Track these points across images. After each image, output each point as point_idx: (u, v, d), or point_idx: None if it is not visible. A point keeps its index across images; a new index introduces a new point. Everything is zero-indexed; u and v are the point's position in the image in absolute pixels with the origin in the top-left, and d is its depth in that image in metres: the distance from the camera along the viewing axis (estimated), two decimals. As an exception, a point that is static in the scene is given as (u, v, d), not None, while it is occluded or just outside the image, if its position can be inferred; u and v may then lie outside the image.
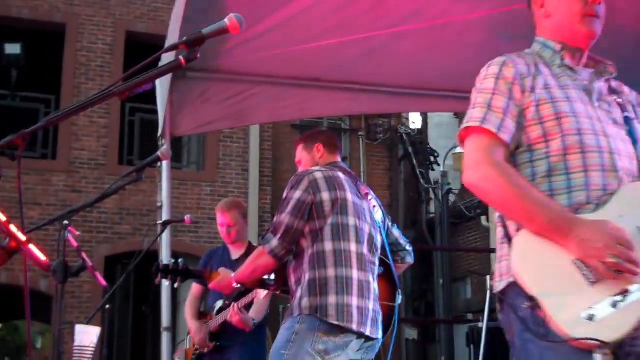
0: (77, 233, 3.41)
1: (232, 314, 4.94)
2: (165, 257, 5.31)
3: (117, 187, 3.28)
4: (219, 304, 5.25)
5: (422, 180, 15.09)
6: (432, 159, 15.16)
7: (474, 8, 5.01)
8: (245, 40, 4.92)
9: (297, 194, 3.72)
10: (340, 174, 3.88)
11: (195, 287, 5.63)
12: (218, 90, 5.48)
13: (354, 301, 3.59)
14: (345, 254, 3.67)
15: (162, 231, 5.03)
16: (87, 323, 4.91)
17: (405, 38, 5.26)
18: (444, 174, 13.01)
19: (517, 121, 2.40)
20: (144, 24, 13.46)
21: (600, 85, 2.53)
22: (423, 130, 15.64)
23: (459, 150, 13.05)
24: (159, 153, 3.35)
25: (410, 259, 4.34)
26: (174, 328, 5.41)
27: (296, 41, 5.12)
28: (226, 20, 2.09)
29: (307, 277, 3.64)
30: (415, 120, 15.35)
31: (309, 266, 3.65)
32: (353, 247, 3.69)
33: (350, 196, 3.79)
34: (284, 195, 3.80)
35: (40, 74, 14.03)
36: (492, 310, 5.76)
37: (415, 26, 5.16)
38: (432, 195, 15.24)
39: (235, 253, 5.42)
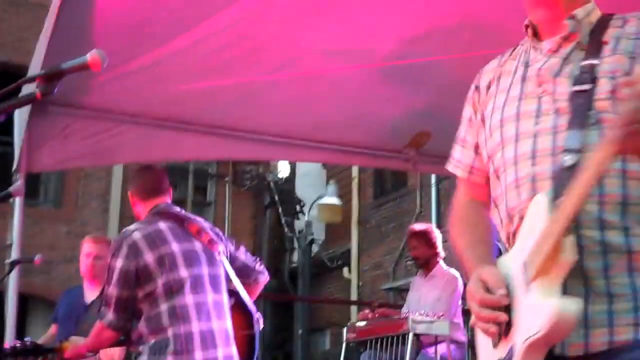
0: None
1: None
2: (11, 299, 5.07)
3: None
4: None
5: (286, 229, 15.06)
6: (297, 208, 15.17)
7: (348, 62, 5.03)
8: (115, 77, 4.74)
9: (119, 263, 3.62)
10: (161, 224, 3.76)
11: (53, 328, 5.39)
12: (81, 127, 5.27)
13: (197, 356, 3.56)
14: (183, 310, 3.61)
15: (10, 271, 4.77)
16: None
17: (280, 86, 5.24)
18: (308, 224, 13.01)
19: (475, 144, 2.12)
20: (8, 53, 12.98)
21: (554, 60, 1.94)
22: (290, 179, 15.66)
23: (323, 201, 13.10)
24: (10, 189, 3.18)
25: (263, 278, 4.25)
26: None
27: (167, 81, 5.00)
28: (88, 55, 1.95)
29: (147, 340, 3.61)
30: (283, 169, 15.35)
31: (147, 330, 3.62)
32: (189, 299, 3.62)
33: (176, 247, 3.69)
34: (108, 262, 3.72)
35: None
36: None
37: (290, 75, 5.14)
38: (296, 245, 15.23)
39: (90, 294, 5.20)
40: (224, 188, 14.42)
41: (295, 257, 15.30)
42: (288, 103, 5.44)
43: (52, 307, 12.29)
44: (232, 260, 4.04)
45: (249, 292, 4.05)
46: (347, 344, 5.68)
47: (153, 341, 3.56)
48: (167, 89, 5.06)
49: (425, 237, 6.03)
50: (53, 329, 5.37)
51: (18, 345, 4.02)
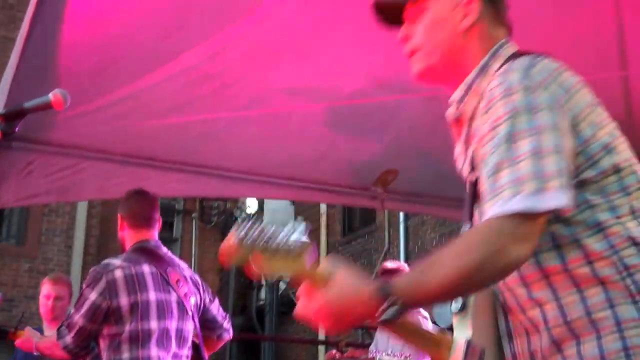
0: None
1: None
2: None
3: None
4: None
5: (253, 267, 14.93)
6: (265, 245, 15.04)
7: (314, 100, 5.04)
8: (80, 114, 4.69)
9: (93, 296, 3.59)
10: (145, 267, 3.70)
11: None
12: (44, 163, 5.19)
13: None
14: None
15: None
16: None
17: (247, 123, 5.21)
18: (277, 262, 12.94)
19: None
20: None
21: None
22: (258, 215, 15.59)
23: (292, 237, 13.09)
24: None
25: (227, 336, 4.19)
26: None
27: (133, 118, 4.95)
28: (50, 95, 2.00)
29: None
30: (251, 205, 15.28)
31: None
32: (153, 352, 3.55)
33: (153, 296, 3.64)
34: (82, 289, 3.70)
35: None
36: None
37: (258, 112, 5.12)
38: (263, 282, 15.12)
39: (50, 333, 5.06)
40: (190, 224, 14.33)
41: (263, 294, 15.19)
42: (255, 140, 5.42)
43: (13, 344, 12.15)
44: (204, 311, 3.99)
45: (209, 346, 4.02)
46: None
47: None
48: (133, 125, 5.01)
49: (396, 276, 5.97)
50: None
51: None
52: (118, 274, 3.61)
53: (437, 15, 1.94)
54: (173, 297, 3.71)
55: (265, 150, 5.60)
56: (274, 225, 1.56)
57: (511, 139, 1.66)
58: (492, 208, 1.64)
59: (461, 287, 1.66)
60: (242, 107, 5.02)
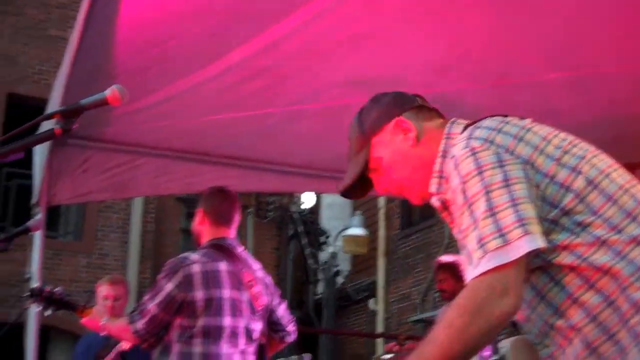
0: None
1: None
2: (31, 331, 5.07)
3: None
4: None
5: (311, 261, 14.96)
6: (322, 239, 15.07)
7: (371, 92, 4.93)
8: (134, 111, 4.71)
9: (169, 287, 3.59)
10: (222, 265, 3.72)
11: None
12: (100, 160, 5.26)
13: None
14: (215, 358, 3.60)
15: (30, 304, 4.71)
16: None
17: (300, 118, 5.17)
18: (333, 255, 12.89)
19: None
20: (27, 86, 13.03)
21: None
22: (314, 210, 15.58)
23: (349, 232, 12.94)
24: (28, 223, 3.17)
25: (289, 339, 4.21)
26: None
27: (187, 114, 4.96)
28: (107, 91, 1.96)
29: None
30: (306, 200, 15.29)
31: None
32: (224, 349, 3.60)
33: (227, 293, 3.67)
34: (159, 278, 3.69)
35: None
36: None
37: (313, 106, 5.06)
38: (320, 277, 15.12)
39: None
40: (246, 219, 14.35)
41: (320, 288, 15.18)
42: (311, 134, 5.37)
43: (73, 337, 12.30)
44: (271, 313, 4.02)
45: (272, 347, 4.07)
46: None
47: None
48: (187, 121, 5.03)
49: (453, 270, 5.89)
50: None
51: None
52: (195, 268, 3.61)
53: (390, 157, 2.09)
54: (244, 296, 3.75)
55: (321, 144, 5.53)
56: None
57: (469, 204, 1.78)
58: (469, 274, 1.76)
59: (458, 353, 1.72)
60: (297, 102, 4.97)
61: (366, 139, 2.14)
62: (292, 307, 13.61)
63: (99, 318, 3.92)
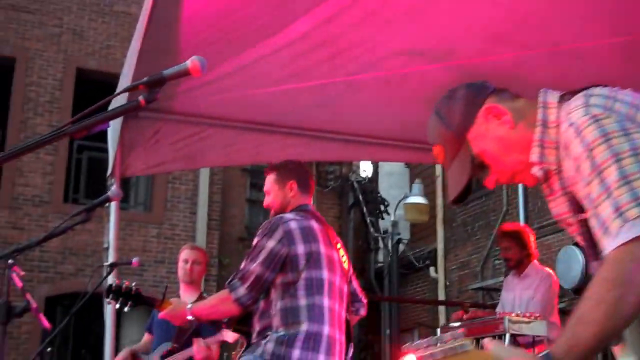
0: (22, 273, 3.31)
1: (201, 350, 4.84)
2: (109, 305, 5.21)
3: (65, 227, 3.20)
4: (164, 346, 5.10)
5: (371, 229, 15.03)
6: (382, 207, 15.12)
7: (430, 62, 5.02)
8: (201, 83, 4.86)
9: (271, 244, 3.59)
10: (313, 223, 3.76)
11: (147, 336, 5.49)
12: (170, 131, 5.41)
13: (321, 358, 3.52)
14: (319, 310, 3.58)
15: (109, 273, 4.90)
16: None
17: (360, 88, 5.26)
18: (395, 224, 12.98)
19: None
20: (95, 60, 13.30)
21: None
22: (374, 179, 15.63)
23: (410, 200, 12.99)
24: (109, 194, 3.28)
25: (363, 311, 4.25)
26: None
27: (252, 86, 5.08)
28: (188, 62, 2.02)
29: (279, 330, 3.54)
30: (366, 169, 15.34)
31: (279, 320, 3.56)
32: (326, 302, 3.60)
33: (323, 248, 3.68)
34: (255, 241, 3.66)
35: (-14, 107, 13.77)
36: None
37: (371, 76, 5.16)
38: (380, 245, 15.17)
39: (187, 298, 5.24)
40: (307, 189, 14.50)
41: (381, 257, 15.25)
42: (371, 103, 5.46)
43: (143, 308, 12.60)
44: (350, 280, 4.04)
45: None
46: (442, 345, 5.59)
47: (282, 332, 3.52)
48: (252, 92, 5.14)
49: (517, 238, 5.87)
50: (146, 337, 5.50)
51: (124, 287, 4.01)
52: (293, 225, 3.64)
53: (493, 147, 1.97)
54: (335, 255, 3.80)
55: (382, 113, 5.63)
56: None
57: (598, 172, 1.71)
58: (607, 244, 1.68)
59: (614, 328, 1.67)
60: (355, 72, 5.06)
61: (461, 139, 2.01)
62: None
63: (182, 306, 3.78)
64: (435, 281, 13.20)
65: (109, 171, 5.44)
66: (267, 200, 3.96)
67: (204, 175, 13.25)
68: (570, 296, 8.59)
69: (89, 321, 13.28)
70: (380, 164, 15.45)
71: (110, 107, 2.14)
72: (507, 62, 4.93)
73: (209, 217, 13.22)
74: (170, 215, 13.05)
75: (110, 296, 4.00)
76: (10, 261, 3.29)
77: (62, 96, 13.01)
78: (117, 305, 3.99)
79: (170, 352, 5.05)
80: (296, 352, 3.47)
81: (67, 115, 12.84)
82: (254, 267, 3.56)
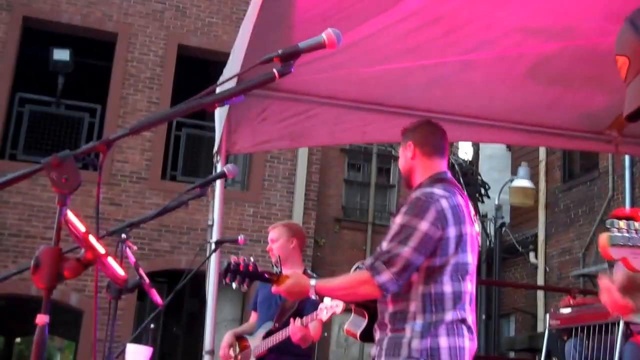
0: (135, 248, 3.29)
1: (296, 330, 4.71)
2: (212, 278, 5.24)
3: (180, 202, 3.18)
4: (267, 326, 5.06)
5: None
6: (482, 190, 14.89)
7: (547, 41, 4.83)
8: (309, 61, 4.77)
9: (425, 226, 3.23)
10: (460, 199, 3.41)
11: (253, 315, 5.45)
12: (277, 109, 5.37)
13: (466, 343, 3.26)
14: (463, 296, 3.28)
15: (214, 251, 4.90)
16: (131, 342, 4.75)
17: (474, 67, 5.12)
18: (499, 207, 12.71)
19: None
20: (197, 38, 13.37)
21: None
22: (474, 161, 15.40)
23: (516, 184, 12.70)
24: (224, 169, 3.26)
25: None
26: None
27: (361, 64, 5.00)
28: (324, 35, 2.00)
29: (415, 317, 3.25)
30: (467, 151, 15.11)
31: (424, 306, 3.25)
32: (468, 287, 3.31)
33: (469, 228, 3.35)
34: (402, 220, 3.28)
35: (87, 82, 14.02)
36: (548, 351, 5.54)
37: (486, 55, 5.01)
38: (478, 228, 14.95)
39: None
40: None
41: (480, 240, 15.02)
42: (483, 84, 5.32)
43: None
44: None
45: None
46: (549, 331, 5.46)
47: (422, 321, 3.23)
48: (362, 70, 5.06)
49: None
50: (253, 317, 5.46)
51: (241, 265, 3.56)
52: (445, 204, 3.29)
53: None
54: (475, 233, 3.44)
55: (493, 94, 5.48)
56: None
57: None
58: None
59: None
60: (469, 51, 4.92)
61: None
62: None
63: (304, 281, 3.38)
64: (534, 267, 12.95)
65: (215, 148, 5.42)
66: (399, 165, 3.68)
67: (303, 155, 13.23)
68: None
69: (182, 299, 13.47)
70: (481, 146, 15.19)
71: (219, 87, 2.05)
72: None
73: (306, 197, 13.20)
74: (267, 195, 13.07)
75: (229, 275, 3.59)
76: (123, 236, 3.28)
77: (163, 73, 13.14)
78: (234, 285, 3.59)
79: (271, 332, 5.01)
80: (443, 340, 3.21)
81: (167, 92, 12.97)
82: (405, 251, 3.20)
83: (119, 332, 11.44)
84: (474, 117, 5.74)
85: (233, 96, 1.95)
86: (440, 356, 3.19)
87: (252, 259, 3.61)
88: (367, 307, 3.50)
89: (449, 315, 3.24)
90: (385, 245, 3.27)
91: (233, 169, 3.25)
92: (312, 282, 3.35)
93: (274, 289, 3.41)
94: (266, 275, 3.51)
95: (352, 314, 3.68)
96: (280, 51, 1.97)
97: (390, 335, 3.28)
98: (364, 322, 3.58)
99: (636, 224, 1.49)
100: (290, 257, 5.20)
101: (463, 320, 3.27)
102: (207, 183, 3.18)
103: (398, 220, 3.29)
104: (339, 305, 4.26)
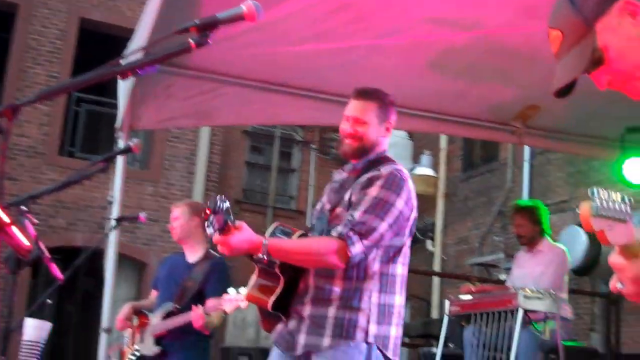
0: (35, 221, 3.16)
1: (199, 317, 4.64)
2: (112, 255, 5.15)
3: (83, 175, 3.06)
4: (166, 307, 4.97)
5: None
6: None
7: (455, 31, 4.89)
8: (220, 39, 4.67)
9: (400, 204, 3.11)
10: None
11: (153, 293, 5.34)
12: (184, 86, 5.29)
13: (400, 332, 3.20)
14: (404, 280, 3.23)
15: (115, 227, 4.79)
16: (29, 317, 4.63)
17: (383, 53, 5.16)
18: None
19: None
20: (100, 12, 13.05)
21: None
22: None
23: (418, 171, 12.77)
24: (130, 143, 3.13)
25: None
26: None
27: (272, 44, 4.97)
28: (243, 6, 1.93)
29: (372, 298, 3.13)
30: (369, 138, 15.22)
31: (377, 286, 3.14)
32: (406, 271, 3.25)
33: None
34: (378, 193, 3.12)
35: (-16, 54, 13.53)
36: (446, 337, 5.63)
37: (395, 41, 5.04)
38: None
39: (191, 256, 5.10)
40: (309, 155, 14.38)
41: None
42: (393, 70, 5.34)
43: (136, 265, 12.49)
44: None
45: None
46: (448, 318, 5.54)
47: (377, 303, 3.11)
48: (270, 52, 5.03)
49: (531, 214, 5.82)
50: (153, 294, 5.36)
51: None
52: (411, 184, 3.19)
53: (619, 45, 1.78)
54: None
55: (401, 81, 5.50)
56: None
57: None
58: None
59: None
60: (379, 36, 4.95)
61: (588, 27, 1.79)
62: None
63: (255, 238, 2.98)
64: (431, 254, 13.14)
65: (118, 123, 5.28)
66: (360, 130, 3.30)
67: (204, 135, 13.06)
68: (572, 276, 8.53)
69: (76, 277, 13.19)
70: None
71: (126, 60, 1.97)
72: (537, 35, 4.79)
73: (207, 178, 13.06)
74: (167, 174, 12.87)
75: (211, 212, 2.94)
76: (23, 208, 3.15)
77: (64, 46, 12.76)
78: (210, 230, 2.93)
79: (172, 313, 4.92)
80: (394, 330, 3.15)
81: (67, 66, 12.62)
82: (382, 226, 3.05)
83: (10, 308, 11.10)
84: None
85: (147, 65, 1.88)
86: (389, 345, 3.13)
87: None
88: (286, 273, 3.18)
89: (398, 300, 3.18)
90: (358, 215, 3.08)
91: (140, 143, 3.13)
92: (265, 241, 3.00)
93: (216, 238, 2.94)
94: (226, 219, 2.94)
95: (256, 277, 3.28)
96: (197, 21, 1.90)
97: (338, 314, 3.12)
98: (277, 289, 3.19)
99: (614, 194, 1.48)
100: (192, 235, 5.12)
101: (402, 307, 3.21)
102: (112, 157, 3.07)
103: (373, 192, 3.13)
104: (244, 301, 4.19)
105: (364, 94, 3.35)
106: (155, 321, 4.94)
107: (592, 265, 8.36)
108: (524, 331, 5.03)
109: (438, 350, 5.63)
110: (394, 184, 3.13)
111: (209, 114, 5.54)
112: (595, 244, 8.26)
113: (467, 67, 5.26)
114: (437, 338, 6.12)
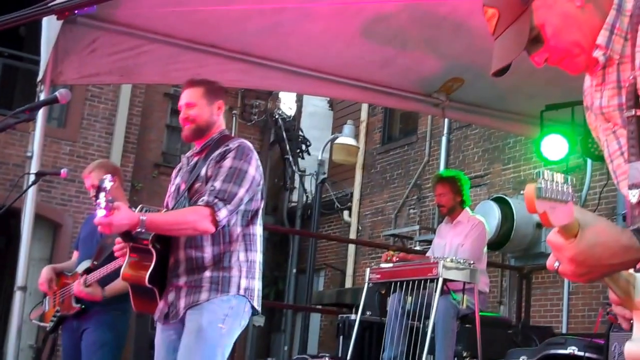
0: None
1: (77, 289, 4.70)
2: (29, 212, 5.01)
3: (6, 125, 2.96)
4: (85, 264, 4.90)
5: (292, 167, 14.94)
6: (303, 147, 15.03)
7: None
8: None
9: (252, 171, 3.53)
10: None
11: (75, 254, 5.25)
12: (108, 42, 5.15)
13: (261, 286, 3.64)
14: (261, 239, 3.66)
15: (35, 182, 4.67)
16: None
17: (312, 18, 5.15)
18: (321, 163, 12.85)
19: None
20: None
21: None
22: (297, 117, 15.50)
23: (341, 141, 12.76)
24: (57, 94, 3.03)
25: None
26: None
27: (199, 2, 4.92)
28: None
29: (239, 257, 3.54)
30: (291, 106, 15.19)
31: (242, 246, 3.56)
32: (260, 230, 3.67)
33: None
34: (232, 163, 3.50)
35: None
36: (365, 305, 5.71)
37: (324, 5, 5.04)
38: (296, 184, 15.14)
39: None
40: (231, 121, 14.24)
41: (295, 196, 15.23)
42: (321, 36, 5.35)
43: (51, 225, 12.18)
44: None
45: None
46: (368, 285, 5.60)
47: (244, 259, 3.54)
48: (197, 10, 4.96)
49: (452, 184, 5.91)
50: (75, 255, 5.28)
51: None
52: (256, 154, 3.62)
53: (556, 22, 1.80)
54: None
55: (329, 47, 5.51)
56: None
57: None
58: None
59: None
60: (309, 0, 4.94)
61: (524, 5, 1.80)
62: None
63: (132, 215, 3.30)
64: (347, 224, 13.24)
65: (40, 76, 5.14)
66: (191, 113, 3.65)
67: (125, 96, 12.78)
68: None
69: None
70: (304, 103, 15.31)
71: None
72: (464, 5, 4.86)
73: (126, 139, 12.81)
74: (85, 134, 12.56)
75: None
76: None
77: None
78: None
79: (89, 270, 4.87)
80: (257, 282, 3.59)
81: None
82: (240, 191, 3.48)
83: None
84: (307, 68, 5.76)
85: (85, 5, 1.82)
86: (253, 297, 3.54)
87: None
88: (155, 248, 3.48)
89: (259, 256, 3.60)
90: (219, 184, 3.47)
91: (66, 94, 3.02)
92: (143, 217, 3.32)
93: (99, 219, 3.22)
94: (104, 197, 3.22)
95: (128, 256, 3.51)
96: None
97: (212, 274, 3.48)
98: (150, 264, 3.47)
99: (557, 175, 1.49)
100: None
101: (260, 263, 3.63)
102: (38, 106, 2.99)
103: (227, 164, 3.52)
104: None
105: (192, 82, 3.75)
106: (75, 280, 4.87)
107: (504, 241, 8.59)
108: (442, 299, 5.13)
109: (357, 317, 5.69)
110: (244, 154, 3.54)
111: (133, 72, 5.43)
112: (508, 220, 8.49)
113: (394, 34, 5.28)
114: (350, 307, 6.22)
